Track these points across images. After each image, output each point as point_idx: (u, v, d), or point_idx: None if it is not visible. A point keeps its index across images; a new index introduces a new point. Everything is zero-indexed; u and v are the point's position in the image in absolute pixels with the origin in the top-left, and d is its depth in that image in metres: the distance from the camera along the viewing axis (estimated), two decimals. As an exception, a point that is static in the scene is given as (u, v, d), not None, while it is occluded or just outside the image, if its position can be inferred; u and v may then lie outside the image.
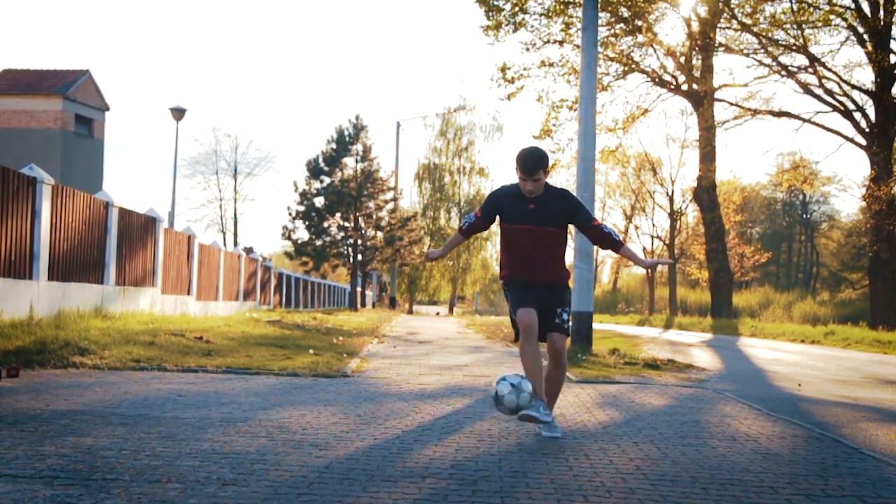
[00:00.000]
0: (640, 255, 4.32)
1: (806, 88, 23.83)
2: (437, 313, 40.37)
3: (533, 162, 3.91)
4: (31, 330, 7.43)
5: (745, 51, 24.21)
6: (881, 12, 21.73)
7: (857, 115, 23.27)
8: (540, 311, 3.99)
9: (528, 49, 23.18)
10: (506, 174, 46.84)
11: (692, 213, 41.69)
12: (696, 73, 24.91)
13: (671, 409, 5.30)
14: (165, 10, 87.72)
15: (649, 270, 44.33)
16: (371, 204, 27.93)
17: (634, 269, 54.61)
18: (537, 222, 3.94)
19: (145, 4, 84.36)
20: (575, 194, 7.27)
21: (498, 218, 4.16)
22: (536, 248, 3.99)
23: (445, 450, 3.62)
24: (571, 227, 4.19)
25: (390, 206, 29.21)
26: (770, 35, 23.10)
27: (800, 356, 12.29)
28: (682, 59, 24.98)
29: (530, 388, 3.86)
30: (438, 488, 2.91)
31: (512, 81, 23.14)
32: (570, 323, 4.10)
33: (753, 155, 72.14)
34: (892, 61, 22.00)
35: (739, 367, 9.48)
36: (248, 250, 23.02)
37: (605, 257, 54.93)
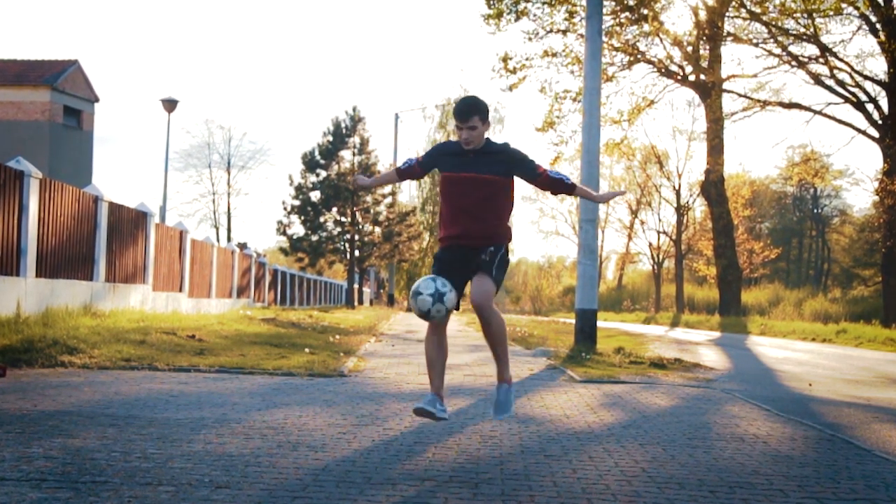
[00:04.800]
0: (593, 192, 4.05)
1: (817, 79, 23.60)
2: (437, 311, 40.07)
3: (465, 106, 3.69)
4: (18, 328, 7.32)
5: (754, 40, 23.97)
6: (894, 1, 21.47)
7: (870, 107, 23.06)
8: (468, 272, 3.75)
9: (530, 38, 22.95)
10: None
11: (700, 208, 41.51)
12: (704, 64, 24.71)
13: (678, 409, 5.23)
14: None
15: (655, 263, 44.56)
16: (368, 198, 27.77)
17: (640, 266, 54.53)
18: (476, 170, 3.73)
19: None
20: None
21: (438, 169, 3.89)
22: (476, 200, 3.73)
23: (446, 451, 3.58)
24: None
25: (388, 200, 29.05)
26: (780, 24, 22.86)
27: (810, 355, 12.18)
28: (690, 49, 24.75)
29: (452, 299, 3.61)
30: (438, 491, 2.87)
31: (514, 72, 22.89)
32: (496, 270, 3.75)
33: (763, 148, 71.70)
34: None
35: (748, 367, 9.38)
36: (242, 246, 22.88)
37: (610, 253, 54.92)
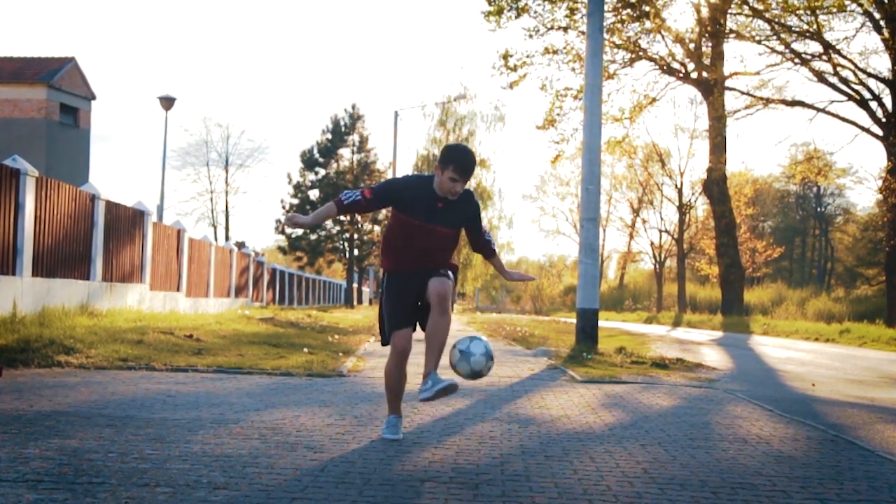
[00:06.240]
0: (505, 267, 4.14)
1: (820, 77, 23.48)
2: (437, 310, 40.09)
3: (472, 165, 3.65)
4: (15, 328, 7.30)
5: (757, 37, 23.82)
6: (897, -2, 21.39)
7: (874, 105, 22.96)
8: (422, 290, 3.80)
9: (531, 36, 22.86)
10: (508, 166, 46.30)
11: (702, 207, 41.31)
12: (706, 61, 24.63)
13: (680, 410, 5.21)
14: None
15: (657, 262, 44.58)
16: (368, 197, 27.74)
17: (642, 265, 54.52)
18: (444, 224, 3.74)
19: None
20: (580, 186, 7.00)
21: (394, 207, 3.83)
22: (432, 248, 3.78)
23: (445, 452, 3.55)
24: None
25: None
26: (782, 21, 22.76)
27: (813, 355, 12.16)
28: (692, 46, 24.61)
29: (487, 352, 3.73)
30: (438, 492, 2.85)
31: (514, 69, 22.80)
32: (452, 274, 3.89)
33: (765, 146, 70.86)
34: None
35: (751, 367, 9.36)
36: (241, 245, 22.84)
37: (612, 252, 54.89)
